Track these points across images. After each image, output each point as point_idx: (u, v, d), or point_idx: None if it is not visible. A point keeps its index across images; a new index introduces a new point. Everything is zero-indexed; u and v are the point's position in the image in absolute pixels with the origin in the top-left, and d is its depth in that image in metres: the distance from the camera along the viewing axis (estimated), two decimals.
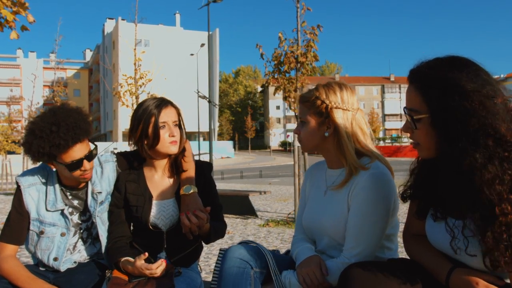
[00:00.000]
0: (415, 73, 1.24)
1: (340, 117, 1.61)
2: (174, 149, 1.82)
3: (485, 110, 1.11)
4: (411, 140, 1.34)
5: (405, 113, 1.27)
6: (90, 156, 1.78)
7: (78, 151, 1.73)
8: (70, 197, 1.86)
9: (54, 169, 1.79)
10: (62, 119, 1.70)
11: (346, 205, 1.58)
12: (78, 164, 1.73)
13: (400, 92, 76.30)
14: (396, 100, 75.93)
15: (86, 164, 1.76)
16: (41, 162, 1.87)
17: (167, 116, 1.81)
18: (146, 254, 1.68)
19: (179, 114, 1.87)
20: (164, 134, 1.79)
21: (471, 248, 1.20)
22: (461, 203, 1.16)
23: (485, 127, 1.10)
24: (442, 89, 1.15)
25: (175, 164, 1.88)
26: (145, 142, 1.81)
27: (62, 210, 1.81)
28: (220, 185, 14.86)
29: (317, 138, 1.65)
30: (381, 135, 68.97)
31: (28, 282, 1.71)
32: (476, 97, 1.12)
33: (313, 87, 1.70)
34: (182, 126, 1.89)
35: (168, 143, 1.80)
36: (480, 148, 1.10)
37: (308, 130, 1.66)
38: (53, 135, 1.66)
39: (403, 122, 1.34)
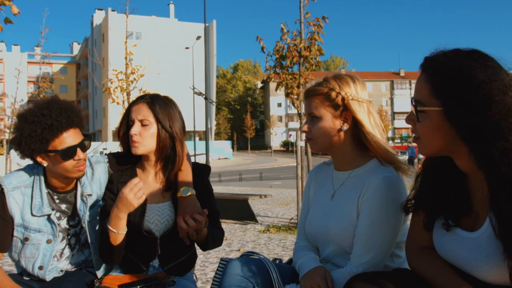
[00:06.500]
0: (429, 60, 1.23)
1: (358, 109, 1.61)
2: (133, 150, 1.81)
3: (501, 102, 1.11)
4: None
5: (411, 102, 1.26)
6: (84, 145, 1.80)
7: (71, 137, 1.75)
8: (57, 201, 1.86)
9: (44, 164, 1.78)
10: (54, 104, 1.75)
11: (356, 210, 1.58)
12: (71, 151, 1.74)
13: (410, 89, 76.35)
14: (406, 97, 75.90)
15: (79, 153, 1.77)
16: (27, 164, 1.87)
17: (135, 113, 1.82)
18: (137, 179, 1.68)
19: (153, 111, 1.81)
20: (131, 132, 1.80)
21: (489, 260, 1.18)
22: (481, 203, 1.14)
23: (504, 120, 1.10)
24: (455, 79, 1.15)
25: (168, 166, 1.87)
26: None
27: (49, 215, 1.81)
28: (218, 188, 14.87)
29: (333, 134, 1.64)
30: (390, 134, 69.05)
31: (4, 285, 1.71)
32: (489, 88, 1.12)
33: (320, 80, 1.70)
34: (156, 124, 1.81)
35: (131, 142, 1.80)
36: (509, 137, 1.09)
37: (322, 125, 1.64)
38: (45, 118, 1.70)
39: None
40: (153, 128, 1.81)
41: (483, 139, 1.11)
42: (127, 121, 1.84)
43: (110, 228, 1.70)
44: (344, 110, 1.62)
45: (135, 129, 1.79)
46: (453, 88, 1.15)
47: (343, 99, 1.61)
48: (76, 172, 1.79)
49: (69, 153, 1.74)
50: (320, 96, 1.64)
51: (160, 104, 1.83)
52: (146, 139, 1.80)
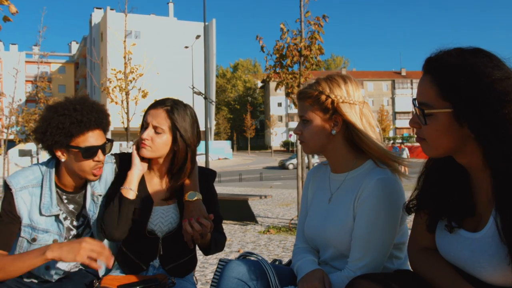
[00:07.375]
0: (433, 61, 1.21)
1: (348, 111, 1.60)
2: (141, 152, 1.82)
3: None
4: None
5: (414, 105, 1.25)
6: (105, 148, 1.81)
7: (96, 137, 1.77)
8: (65, 201, 1.86)
9: (62, 159, 1.77)
10: (87, 101, 1.78)
11: (352, 213, 1.57)
12: (93, 151, 1.75)
13: (412, 88, 76.33)
14: (408, 97, 75.89)
15: (100, 154, 1.78)
16: (34, 163, 1.88)
17: (151, 117, 1.82)
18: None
19: (171, 120, 1.80)
20: (142, 133, 1.81)
21: (491, 261, 1.18)
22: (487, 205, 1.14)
23: None
24: (467, 77, 1.13)
25: (176, 174, 1.87)
26: None
27: (57, 216, 1.81)
28: (218, 189, 14.78)
29: (323, 137, 1.63)
30: (391, 134, 69.01)
31: (19, 257, 1.62)
32: (505, 85, 1.11)
33: (312, 81, 1.68)
34: (172, 134, 1.81)
35: (140, 143, 1.82)
36: None
37: (312, 129, 1.64)
38: (76, 113, 1.72)
39: None
40: (165, 136, 1.81)
41: (498, 138, 1.10)
42: (142, 122, 1.85)
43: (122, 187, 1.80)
44: (334, 113, 1.61)
45: (148, 133, 1.80)
46: (466, 86, 1.13)
47: (332, 102, 1.60)
48: (91, 175, 1.80)
49: (90, 152, 1.75)
50: (310, 99, 1.63)
51: (180, 114, 1.82)
52: (156, 145, 1.81)
